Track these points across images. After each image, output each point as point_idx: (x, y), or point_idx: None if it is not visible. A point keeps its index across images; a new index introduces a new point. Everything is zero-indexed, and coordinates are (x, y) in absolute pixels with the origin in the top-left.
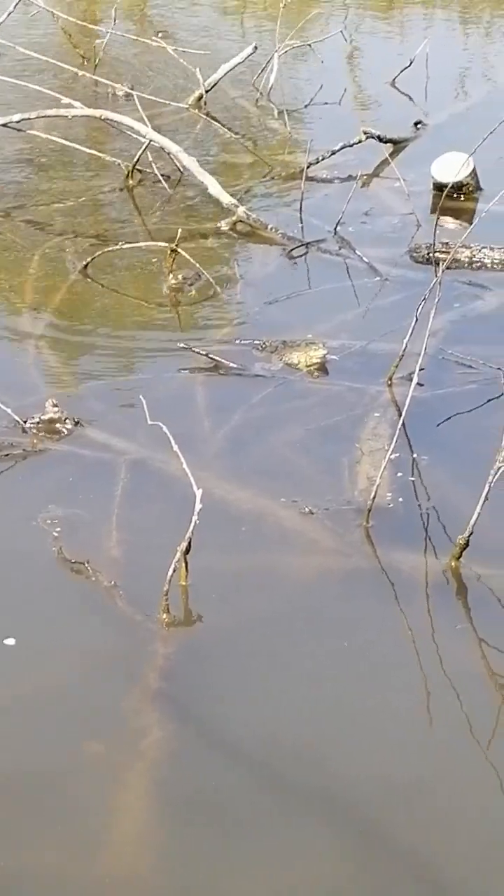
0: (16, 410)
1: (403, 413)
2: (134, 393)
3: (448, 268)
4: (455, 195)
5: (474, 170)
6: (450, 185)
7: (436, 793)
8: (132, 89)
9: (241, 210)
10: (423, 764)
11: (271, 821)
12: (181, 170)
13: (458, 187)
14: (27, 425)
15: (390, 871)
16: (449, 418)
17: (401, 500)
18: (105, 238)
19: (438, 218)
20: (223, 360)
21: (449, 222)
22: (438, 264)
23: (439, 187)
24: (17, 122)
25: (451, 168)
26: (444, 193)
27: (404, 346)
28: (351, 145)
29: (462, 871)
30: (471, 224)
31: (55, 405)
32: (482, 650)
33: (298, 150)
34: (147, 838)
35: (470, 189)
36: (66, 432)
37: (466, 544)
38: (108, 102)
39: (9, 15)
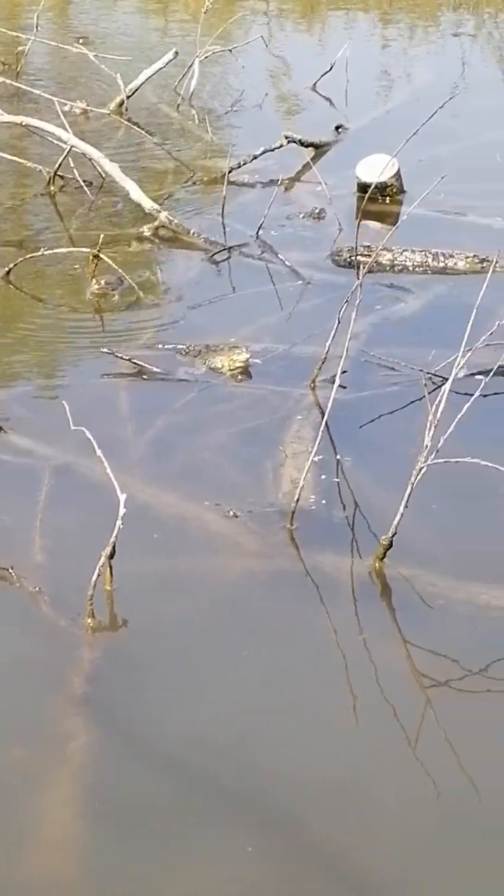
0: None
1: (326, 415)
2: (57, 398)
3: (370, 271)
4: (379, 197)
5: (398, 171)
6: (373, 186)
7: (359, 792)
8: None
9: (163, 215)
10: (347, 763)
11: (196, 822)
12: (103, 175)
13: (383, 189)
14: None
15: (312, 869)
16: (372, 420)
17: (324, 501)
18: (27, 244)
19: (360, 221)
20: (146, 365)
21: (373, 225)
22: (360, 267)
23: (364, 188)
24: None
25: (375, 169)
26: (368, 195)
27: (327, 348)
28: (272, 150)
29: (382, 868)
30: (394, 227)
31: None
32: (406, 650)
33: (220, 154)
34: (73, 842)
35: (394, 191)
36: None
37: (390, 545)
38: (31, 109)
39: None
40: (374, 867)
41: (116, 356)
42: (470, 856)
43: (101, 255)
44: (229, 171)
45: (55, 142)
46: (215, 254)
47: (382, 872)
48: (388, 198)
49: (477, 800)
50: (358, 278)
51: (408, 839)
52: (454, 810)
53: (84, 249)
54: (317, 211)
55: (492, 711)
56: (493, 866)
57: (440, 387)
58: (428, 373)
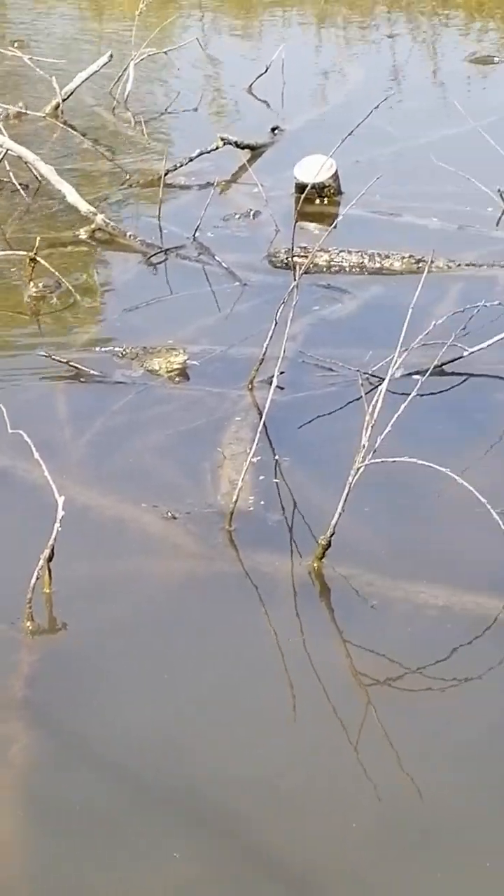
0: None
1: (264, 416)
2: None
3: (307, 272)
4: (317, 199)
5: (336, 172)
6: (310, 186)
7: (297, 791)
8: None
9: (99, 218)
10: (286, 763)
11: (134, 823)
12: (39, 178)
13: (320, 190)
14: None
15: (251, 869)
16: (310, 421)
17: (263, 502)
18: None
19: (296, 222)
20: (84, 368)
21: (310, 226)
22: (296, 268)
23: (302, 189)
24: None
25: (313, 170)
26: (304, 195)
27: (264, 350)
28: (208, 151)
29: (320, 868)
30: (330, 228)
31: None
32: (346, 649)
33: (156, 157)
34: (14, 845)
35: (331, 192)
36: None
37: (328, 545)
38: None
39: None
40: (313, 867)
41: (53, 359)
42: (409, 854)
43: (38, 259)
44: (165, 174)
45: None
46: (152, 256)
47: (321, 872)
48: (325, 199)
49: (416, 798)
50: (294, 279)
51: (346, 839)
52: (393, 809)
53: (21, 253)
54: (253, 212)
55: (430, 710)
56: (431, 865)
57: (377, 387)
58: (365, 373)
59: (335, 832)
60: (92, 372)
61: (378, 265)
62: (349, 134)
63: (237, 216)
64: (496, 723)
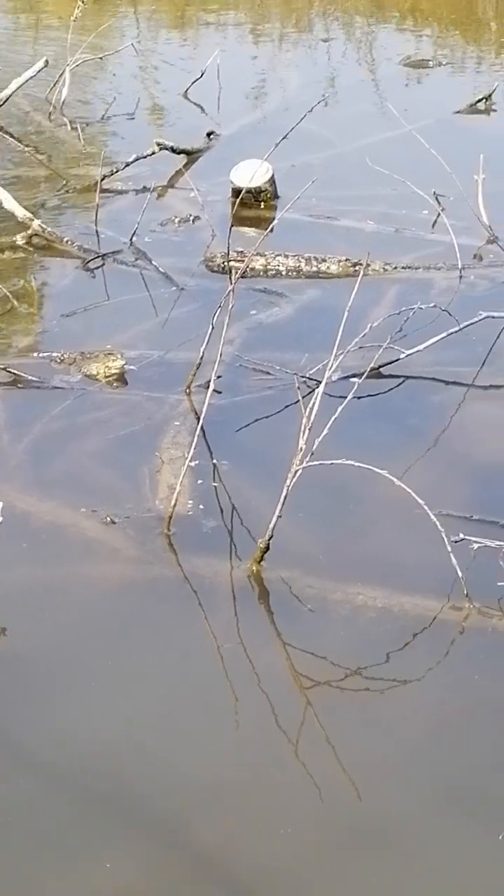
0: None
1: (201, 420)
2: None
3: (243, 276)
4: (254, 203)
5: (273, 177)
6: (245, 190)
7: (238, 794)
8: None
9: (36, 223)
10: (227, 766)
11: (71, 827)
12: None
13: (257, 194)
14: None
15: (190, 872)
16: (248, 424)
17: (202, 506)
18: None
19: (233, 226)
20: (21, 374)
21: (247, 231)
22: (233, 273)
23: (238, 194)
24: None
25: (249, 174)
26: (240, 198)
27: (201, 354)
28: (145, 157)
29: (261, 870)
30: (266, 232)
31: None
32: (286, 651)
33: (93, 162)
34: None
35: (268, 196)
36: None
37: (267, 548)
38: None
39: None
40: (253, 870)
41: None
42: (349, 855)
43: None
44: (102, 179)
45: None
46: (89, 261)
47: (261, 875)
48: (262, 203)
49: (356, 799)
50: (231, 284)
51: (287, 841)
52: (333, 810)
53: None
54: (190, 217)
55: (370, 710)
56: (372, 866)
57: (314, 390)
58: (302, 376)
59: (276, 835)
60: (30, 378)
61: (315, 269)
62: (283, 138)
63: (175, 221)
64: (435, 723)
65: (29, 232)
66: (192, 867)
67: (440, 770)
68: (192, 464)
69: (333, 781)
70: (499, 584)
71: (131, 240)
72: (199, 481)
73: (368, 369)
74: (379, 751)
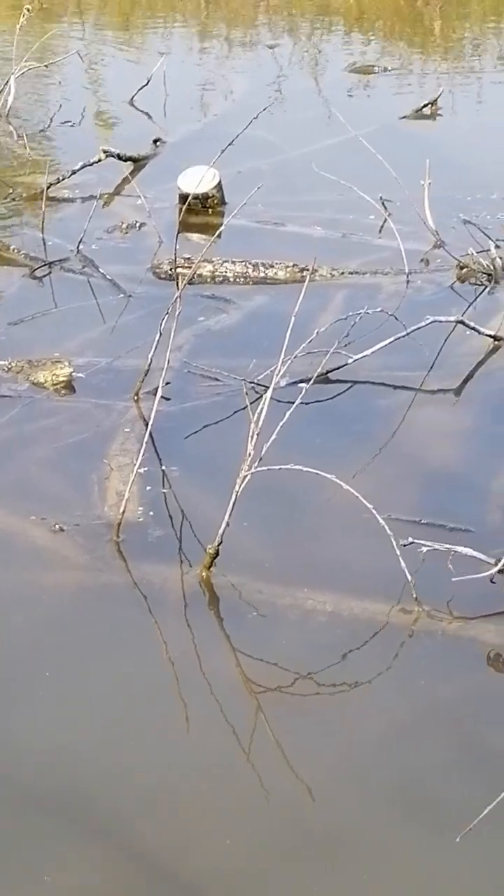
0: None
1: (149, 427)
2: None
3: (191, 282)
4: (201, 208)
5: (220, 183)
6: (192, 196)
7: (191, 799)
8: None
9: None
10: (179, 771)
11: (24, 836)
12: None
13: (204, 200)
14: None
15: (139, 876)
16: (196, 431)
17: (151, 513)
18: None
19: (179, 233)
20: None
21: (195, 237)
22: (180, 279)
23: (185, 199)
24: None
25: (196, 180)
26: (186, 204)
27: (149, 361)
28: (91, 164)
29: (214, 874)
30: (214, 238)
31: None
32: (236, 657)
33: (39, 170)
34: None
35: (215, 202)
36: None
37: (216, 553)
38: None
39: None
40: (204, 873)
41: None
42: (303, 860)
43: None
44: (48, 187)
45: None
46: (36, 269)
47: (214, 880)
48: (210, 209)
49: (308, 802)
50: (178, 290)
51: (240, 845)
52: (285, 813)
53: None
54: (136, 223)
55: (320, 715)
56: (324, 870)
57: (262, 396)
58: (250, 382)
59: (228, 839)
60: None
61: (262, 275)
62: (229, 144)
63: (122, 228)
64: (386, 726)
65: None
66: (143, 873)
67: (391, 773)
68: (141, 470)
69: (285, 785)
70: (447, 586)
71: (78, 247)
72: (148, 488)
73: (316, 374)
74: (330, 755)
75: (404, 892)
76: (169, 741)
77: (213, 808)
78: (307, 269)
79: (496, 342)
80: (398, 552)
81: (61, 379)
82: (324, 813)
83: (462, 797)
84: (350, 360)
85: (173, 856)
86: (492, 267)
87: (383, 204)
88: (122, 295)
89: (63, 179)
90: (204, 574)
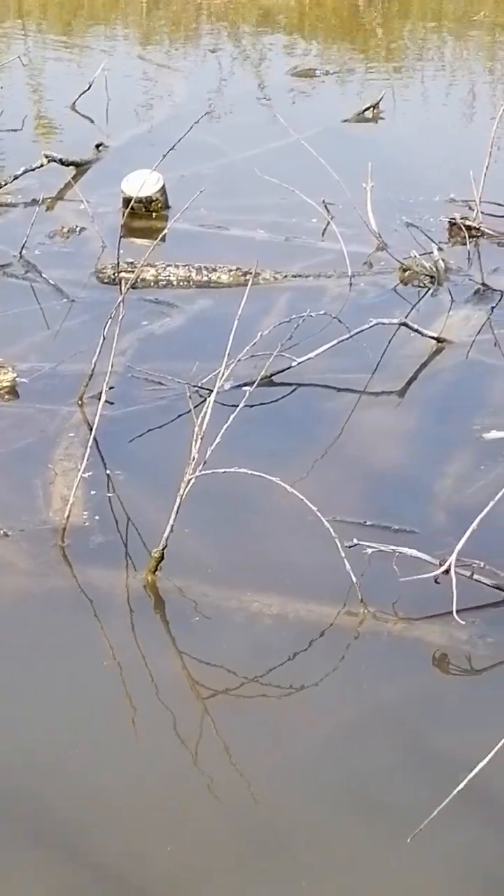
0: None
1: (94, 431)
2: None
3: (134, 287)
4: (145, 212)
5: (163, 187)
6: (135, 199)
7: (138, 803)
8: None
9: None
10: (126, 775)
11: None
12: None
13: (148, 204)
14: None
15: (90, 880)
16: (141, 434)
17: (96, 517)
18: None
19: (122, 237)
20: None
21: (138, 242)
22: (123, 283)
23: (129, 203)
24: None
25: (140, 183)
26: (128, 209)
27: (93, 365)
28: (33, 169)
29: (162, 877)
30: (157, 242)
31: None
32: (182, 660)
33: None
34: None
35: (159, 206)
36: None
37: (161, 557)
38: None
39: None
40: (155, 879)
41: None
42: (251, 863)
43: None
44: None
45: None
46: None
47: (163, 884)
48: (153, 213)
49: (255, 805)
50: (121, 294)
51: (189, 849)
52: (233, 817)
53: None
54: (76, 228)
55: (267, 717)
56: (273, 873)
57: (206, 399)
58: (193, 385)
59: (177, 843)
60: None
61: (206, 278)
62: (171, 148)
63: (63, 231)
64: (331, 728)
65: None
66: (92, 878)
67: (338, 775)
68: (86, 475)
69: (233, 789)
70: (393, 587)
71: (21, 252)
72: (93, 492)
73: (260, 377)
74: (277, 757)
75: (351, 894)
76: (115, 745)
77: (159, 811)
78: (250, 273)
79: (439, 344)
80: (343, 554)
81: (5, 384)
82: (271, 815)
83: (408, 798)
84: (294, 363)
85: (119, 860)
86: (434, 269)
87: (326, 207)
88: (65, 300)
89: (5, 185)
90: (149, 578)
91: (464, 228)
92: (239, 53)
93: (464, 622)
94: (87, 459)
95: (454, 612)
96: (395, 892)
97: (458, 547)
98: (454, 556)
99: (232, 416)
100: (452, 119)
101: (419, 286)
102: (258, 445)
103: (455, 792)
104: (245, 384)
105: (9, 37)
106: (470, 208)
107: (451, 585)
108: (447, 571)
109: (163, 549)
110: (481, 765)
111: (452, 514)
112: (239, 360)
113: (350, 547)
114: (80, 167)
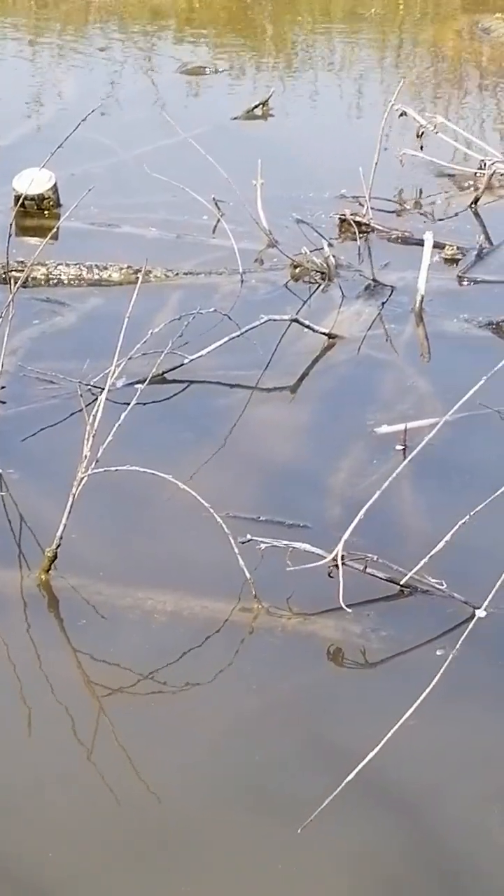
0: None
1: None
2: None
3: (24, 286)
4: (37, 210)
5: (55, 185)
6: (25, 197)
7: (33, 802)
8: None
9: None
10: (21, 775)
11: None
12: None
13: (40, 202)
14: None
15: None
16: (34, 433)
17: None
18: None
19: (12, 236)
20: None
21: (30, 240)
22: (13, 283)
23: (22, 204)
24: None
25: (32, 181)
26: (18, 206)
27: None
28: None
29: (57, 877)
30: (46, 241)
31: None
32: (78, 659)
33: None
34: None
35: (51, 204)
36: None
37: (55, 556)
38: None
39: None
40: (52, 879)
41: None
42: (150, 860)
43: None
44: None
45: None
46: None
47: (60, 884)
48: (46, 211)
49: (155, 804)
50: (10, 294)
51: (85, 848)
52: (132, 816)
53: None
54: None
55: (163, 715)
56: (172, 869)
57: (98, 398)
58: (85, 384)
59: (73, 842)
60: None
61: (97, 276)
62: (58, 147)
63: None
64: (228, 724)
65: None
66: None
67: (235, 770)
68: None
69: (131, 787)
70: (287, 583)
71: None
72: None
73: (151, 375)
74: (174, 754)
75: (252, 886)
76: (11, 746)
77: (57, 812)
78: (141, 271)
79: (331, 339)
80: (237, 550)
81: None
82: (170, 813)
83: (303, 790)
84: (186, 360)
85: (16, 863)
86: (325, 265)
87: (216, 204)
88: None
89: None
90: (43, 577)
91: (354, 224)
92: (128, 51)
93: (352, 612)
94: None
95: (341, 603)
96: (288, 883)
97: (345, 537)
98: (341, 545)
99: (124, 414)
100: (342, 116)
101: (310, 282)
102: (151, 443)
103: (344, 783)
104: (137, 382)
105: None
106: (360, 204)
107: (339, 576)
108: (336, 562)
109: (56, 548)
110: (370, 756)
111: (346, 509)
112: (130, 358)
113: (243, 543)
114: None
